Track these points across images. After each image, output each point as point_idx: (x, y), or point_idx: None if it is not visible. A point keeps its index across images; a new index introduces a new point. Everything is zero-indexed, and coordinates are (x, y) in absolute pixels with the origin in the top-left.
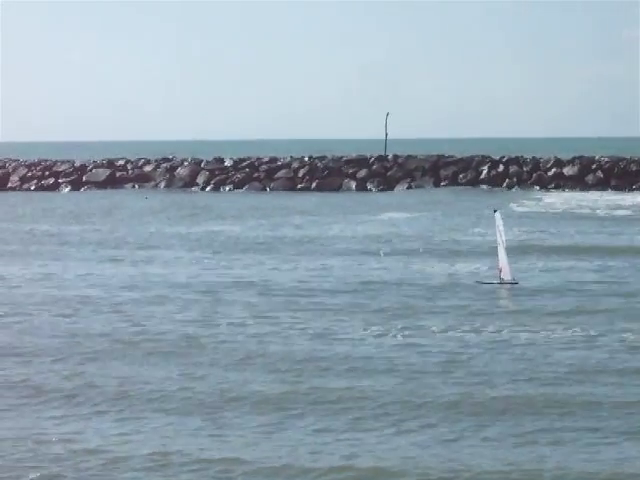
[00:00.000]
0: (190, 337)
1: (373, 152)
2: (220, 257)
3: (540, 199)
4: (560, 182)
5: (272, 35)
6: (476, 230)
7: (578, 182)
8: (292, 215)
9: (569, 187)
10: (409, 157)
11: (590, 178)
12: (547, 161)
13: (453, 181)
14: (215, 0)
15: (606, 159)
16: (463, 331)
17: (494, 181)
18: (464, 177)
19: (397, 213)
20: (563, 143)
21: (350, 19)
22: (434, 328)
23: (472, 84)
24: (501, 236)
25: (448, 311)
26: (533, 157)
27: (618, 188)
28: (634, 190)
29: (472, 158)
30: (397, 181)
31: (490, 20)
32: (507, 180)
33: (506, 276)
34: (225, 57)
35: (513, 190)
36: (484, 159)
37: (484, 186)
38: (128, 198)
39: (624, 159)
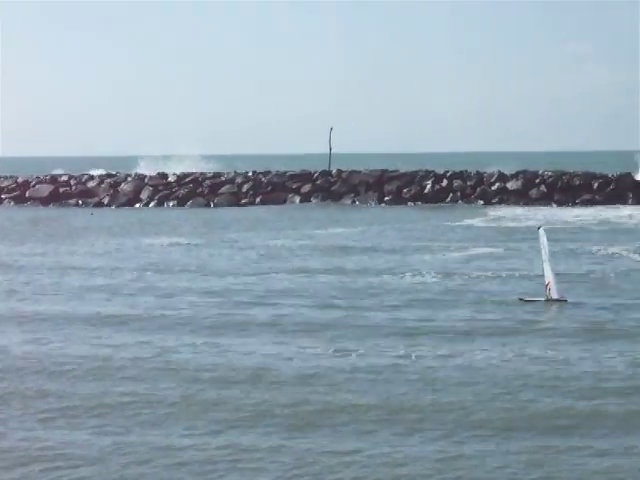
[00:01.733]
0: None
1: (317, 167)
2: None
3: (485, 213)
4: (504, 196)
5: (214, 50)
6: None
7: (522, 196)
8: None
9: (512, 202)
10: (353, 172)
11: (534, 192)
12: (491, 175)
13: (397, 196)
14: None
15: (550, 173)
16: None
17: (438, 196)
18: (408, 192)
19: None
20: (509, 157)
21: (299, 31)
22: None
23: (419, 98)
24: (545, 252)
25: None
26: (477, 172)
27: (561, 202)
28: (577, 204)
29: (416, 173)
30: (341, 196)
31: (439, 33)
32: (451, 194)
33: (553, 293)
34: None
35: (458, 204)
36: (428, 174)
37: (425, 203)
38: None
39: (567, 173)
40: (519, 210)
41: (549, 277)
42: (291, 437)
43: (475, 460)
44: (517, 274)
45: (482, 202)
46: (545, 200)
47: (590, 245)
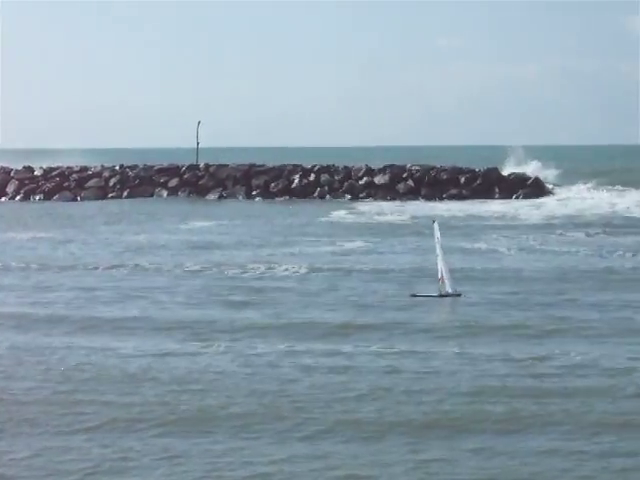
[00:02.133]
0: None
1: (185, 161)
2: None
3: (354, 208)
4: (371, 191)
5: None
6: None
7: (389, 191)
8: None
9: (380, 196)
10: (220, 166)
11: (401, 187)
12: (358, 170)
13: (265, 190)
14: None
15: (417, 168)
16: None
17: (306, 190)
18: (276, 186)
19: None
20: (377, 152)
21: (159, 24)
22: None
23: (285, 91)
24: (439, 246)
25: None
26: (345, 166)
27: (429, 197)
28: (444, 199)
29: (284, 167)
30: (209, 190)
31: (304, 25)
32: (319, 189)
33: (447, 288)
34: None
35: (326, 198)
36: (295, 168)
37: (294, 197)
38: None
39: (435, 168)
40: (386, 204)
41: (442, 272)
42: None
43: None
44: (393, 268)
45: (350, 196)
46: (412, 195)
47: (466, 240)
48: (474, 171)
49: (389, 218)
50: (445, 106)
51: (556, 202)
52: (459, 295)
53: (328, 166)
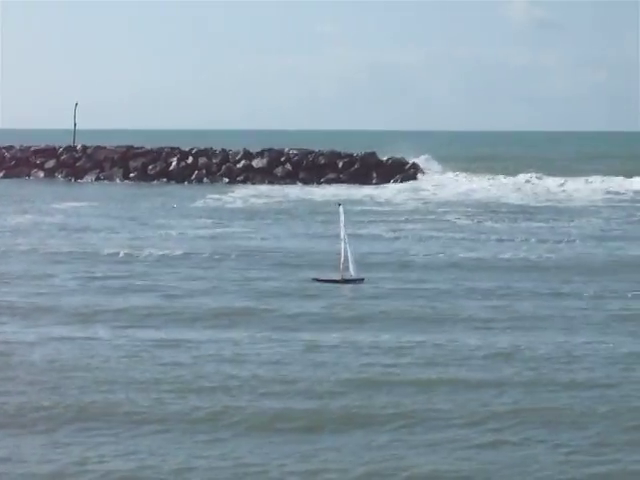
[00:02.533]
0: None
1: (62, 143)
2: None
3: (232, 191)
4: (249, 174)
5: None
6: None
7: (267, 175)
8: None
9: (258, 180)
10: (98, 148)
11: (279, 171)
12: (236, 153)
13: (143, 172)
14: None
15: (295, 152)
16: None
17: (183, 173)
18: (153, 168)
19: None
20: (254, 136)
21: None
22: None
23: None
24: (343, 231)
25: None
26: (223, 149)
27: (307, 181)
28: (322, 183)
29: (162, 149)
30: (86, 172)
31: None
32: (197, 172)
33: (351, 272)
34: None
35: (203, 182)
36: (173, 150)
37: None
38: None
39: (313, 152)
40: (264, 188)
41: (346, 256)
42: None
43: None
44: (273, 251)
45: (227, 180)
46: (290, 178)
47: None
48: (352, 156)
49: (266, 201)
50: (325, 91)
51: (433, 187)
52: (362, 280)
53: (206, 149)
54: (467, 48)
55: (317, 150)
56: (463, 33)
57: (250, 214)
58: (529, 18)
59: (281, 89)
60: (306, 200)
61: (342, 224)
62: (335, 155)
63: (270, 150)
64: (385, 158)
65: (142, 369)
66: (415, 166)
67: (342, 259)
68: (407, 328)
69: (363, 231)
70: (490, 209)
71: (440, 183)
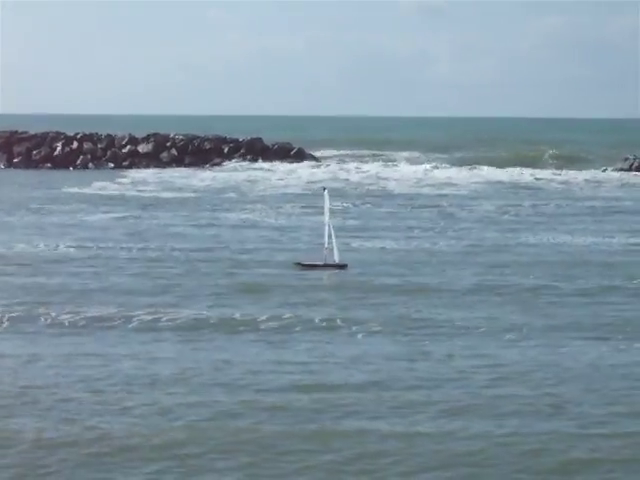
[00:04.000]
0: None
1: None
2: None
3: (121, 176)
4: (135, 159)
5: None
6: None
7: (153, 159)
8: None
9: (144, 165)
10: None
11: (165, 155)
12: (122, 138)
13: (27, 158)
14: None
15: (181, 137)
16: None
17: (68, 158)
18: (38, 153)
19: None
20: (142, 120)
21: None
22: None
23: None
24: (327, 215)
25: None
26: (108, 134)
27: (192, 165)
28: (206, 167)
29: (46, 134)
30: None
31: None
32: (82, 157)
33: (335, 258)
34: None
35: (89, 167)
36: (58, 135)
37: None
38: None
39: (198, 137)
40: (150, 172)
41: (329, 241)
42: None
43: None
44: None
45: (113, 165)
46: (176, 163)
47: (228, 211)
48: (238, 140)
49: (152, 189)
50: (214, 76)
51: (321, 172)
52: (345, 266)
53: (91, 134)
54: (354, 33)
55: (203, 135)
56: (351, 19)
57: (137, 201)
58: (417, 4)
59: (168, 75)
60: (192, 186)
61: (326, 208)
62: (221, 140)
63: (156, 135)
64: (271, 144)
65: None
66: (301, 151)
67: (326, 244)
68: None
69: (249, 216)
70: (374, 194)
71: (328, 167)
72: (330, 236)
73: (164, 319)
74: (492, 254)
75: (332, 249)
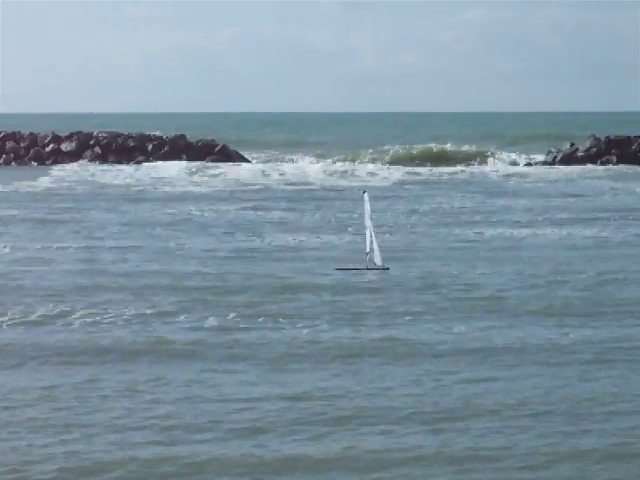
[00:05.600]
0: None
1: None
2: None
3: (47, 174)
4: (58, 158)
5: None
6: None
7: (76, 157)
8: None
9: (67, 163)
10: None
11: (88, 154)
12: (45, 137)
13: None
14: None
15: (104, 135)
16: None
17: None
18: None
19: None
20: (65, 119)
21: None
22: None
23: None
24: (368, 218)
25: None
26: (31, 132)
27: (116, 163)
28: (131, 165)
29: None
30: None
31: None
32: (4, 156)
33: (377, 261)
34: None
35: (11, 166)
36: None
37: None
38: None
39: (122, 135)
40: (75, 171)
41: (371, 245)
42: None
43: None
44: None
45: (36, 164)
46: (100, 161)
47: (164, 207)
48: (162, 138)
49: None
50: (134, 74)
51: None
52: (387, 269)
53: (14, 133)
54: (275, 28)
55: (127, 133)
56: (272, 14)
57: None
58: None
59: (88, 72)
60: (117, 185)
61: (367, 211)
62: (145, 137)
63: (79, 133)
64: (195, 141)
65: None
66: (225, 148)
67: (367, 248)
68: None
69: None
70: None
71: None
72: (372, 240)
73: None
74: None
75: (373, 252)
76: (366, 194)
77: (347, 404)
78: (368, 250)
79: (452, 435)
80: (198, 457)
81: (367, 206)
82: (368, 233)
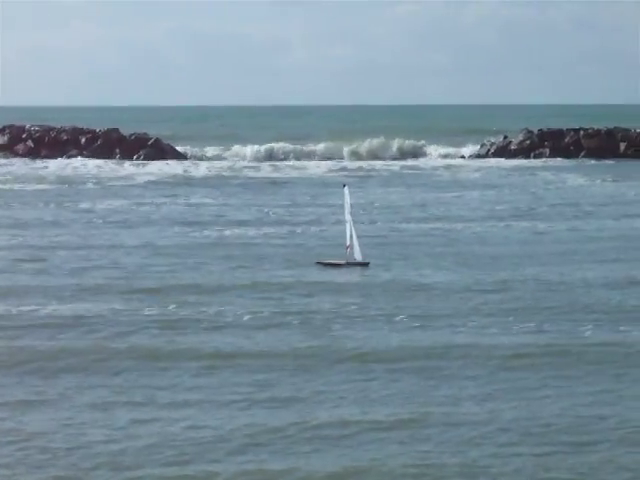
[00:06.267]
0: None
1: None
2: None
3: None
4: None
5: None
6: None
7: (8, 152)
8: None
9: (1, 156)
10: None
11: (21, 147)
12: None
13: None
14: None
15: (37, 128)
16: None
17: None
18: None
19: None
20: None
21: None
22: None
23: None
24: (348, 212)
25: None
26: None
27: (48, 157)
28: (63, 158)
29: None
30: None
31: None
32: None
33: (356, 256)
34: None
35: None
36: None
37: None
38: None
39: (55, 129)
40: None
41: (350, 239)
42: None
43: None
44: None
45: None
46: (33, 155)
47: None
48: (95, 131)
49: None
50: (71, 68)
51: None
52: (367, 264)
53: None
54: (207, 22)
55: (59, 126)
56: (204, 7)
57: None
58: None
59: (24, 65)
60: (39, 177)
61: (347, 205)
62: (78, 131)
63: (11, 126)
64: (128, 134)
65: None
66: (158, 142)
67: (347, 242)
68: None
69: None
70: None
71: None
72: (351, 234)
73: None
74: None
75: (353, 247)
76: (346, 188)
77: None
78: (348, 244)
79: None
80: None
81: (347, 200)
82: (348, 227)
